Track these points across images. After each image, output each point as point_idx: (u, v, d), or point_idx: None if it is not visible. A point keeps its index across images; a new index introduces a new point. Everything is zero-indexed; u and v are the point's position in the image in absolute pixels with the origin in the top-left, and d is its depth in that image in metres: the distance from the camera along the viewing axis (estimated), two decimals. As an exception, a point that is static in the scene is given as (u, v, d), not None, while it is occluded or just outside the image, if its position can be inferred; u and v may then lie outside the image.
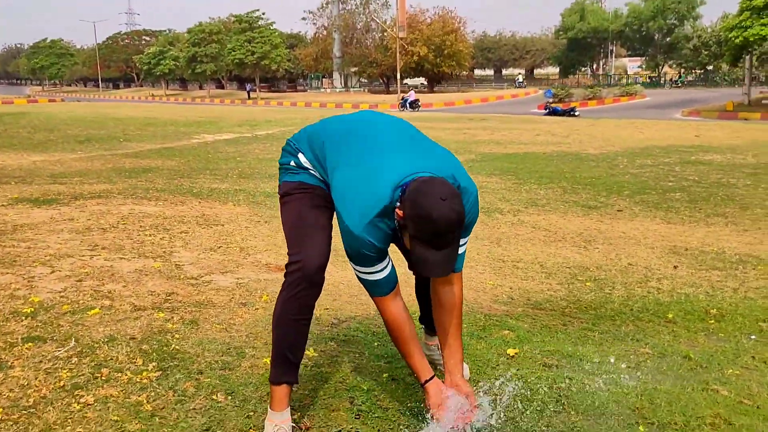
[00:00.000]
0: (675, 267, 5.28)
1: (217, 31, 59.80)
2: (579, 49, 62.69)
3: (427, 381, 2.39)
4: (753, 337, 3.67)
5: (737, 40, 28.35)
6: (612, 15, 61.32)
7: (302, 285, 2.27)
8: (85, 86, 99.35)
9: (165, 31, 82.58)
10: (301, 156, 2.42)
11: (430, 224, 2.02)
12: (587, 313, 3.94)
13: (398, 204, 2.14)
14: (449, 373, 2.46)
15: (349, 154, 2.29)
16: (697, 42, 56.06)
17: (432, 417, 2.36)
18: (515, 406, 2.68)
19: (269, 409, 2.35)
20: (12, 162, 11.35)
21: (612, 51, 63.77)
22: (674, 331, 3.69)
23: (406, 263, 2.62)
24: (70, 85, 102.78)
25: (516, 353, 3.20)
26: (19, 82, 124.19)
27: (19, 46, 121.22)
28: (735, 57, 31.05)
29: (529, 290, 4.41)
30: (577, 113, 29.12)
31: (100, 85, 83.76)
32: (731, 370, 3.17)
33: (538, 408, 2.71)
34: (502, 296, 4.21)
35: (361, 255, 2.22)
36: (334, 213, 2.37)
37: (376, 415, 2.56)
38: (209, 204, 6.92)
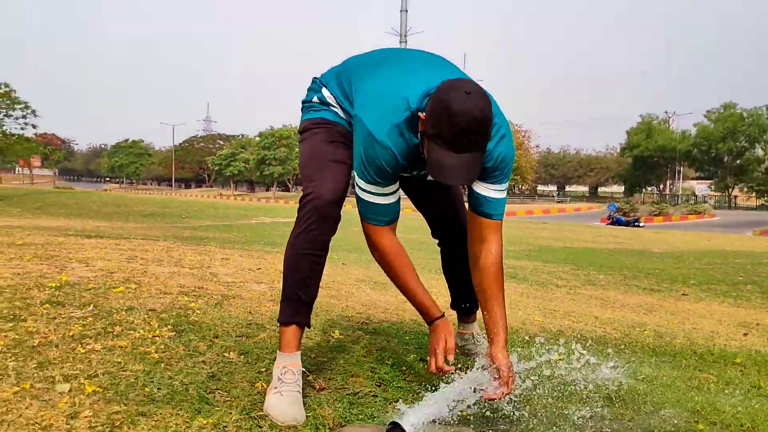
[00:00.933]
0: (745, 334, 4.86)
1: (286, 135, 62.30)
2: (645, 167, 62.25)
3: (436, 319, 2.18)
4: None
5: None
6: (680, 135, 61.09)
7: (314, 218, 2.10)
8: (159, 185, 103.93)
9: (238, 135, 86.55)
10: (324, 90, 2.29)
11: (452, 119, 1.85)
12: (645, 350, 3.60)
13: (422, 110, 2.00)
14: (490, 343, 2.21)
15: (376, 72, 2.17)
16: (770, 164, 55.09)
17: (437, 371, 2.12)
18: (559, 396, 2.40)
19: (278, 351, 2.15)
20: (76, 225, 11.70)
21: (679, 171, 63.08)
22: (743, 371, 3.32)
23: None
24: (146, 184, 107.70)
25: (560, 359, 2.91)
26: (99, 180, 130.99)
27: (103, 146, 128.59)
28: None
29: (581, 330, 4.10)
30: (641, 224, 28.52)
31: (173, 185, 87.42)
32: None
33: (585, 402, 2.42)
34: (550, 330, 3.91)
35: (376, 166, 2.04)
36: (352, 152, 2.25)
37: (397, 385, 2.33)
38: (257, 252, 6.88)
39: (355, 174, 2.12)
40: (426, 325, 2.24)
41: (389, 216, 2.16)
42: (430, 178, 2.14)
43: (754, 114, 56.14)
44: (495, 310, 2.22)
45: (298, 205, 2.17)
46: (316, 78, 2.38)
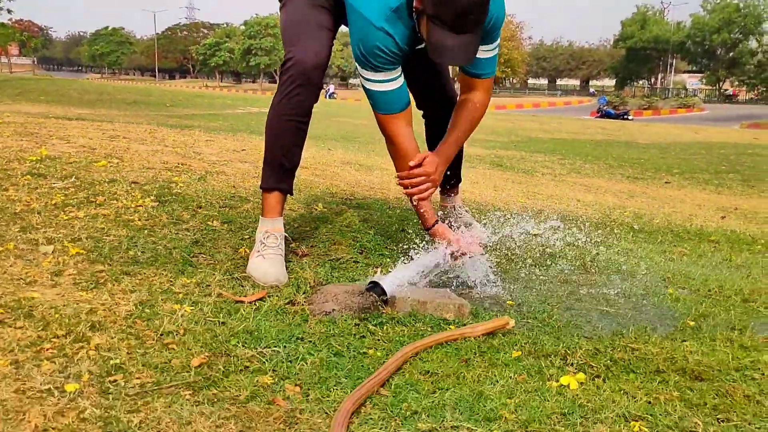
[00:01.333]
0: (723, 217, 4.95)
1: (273, 24, 60.36)
2: (637, 60, 61.23)
3: (434, 224, 2.21)
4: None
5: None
6: (674, 26, 59.77)
7: (297, 82, 2.06)
8: (142, 75, 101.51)
9: (223, 24, 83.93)
10: None
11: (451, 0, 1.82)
12: (623, 228, 3.67)
13: None
14: (436, 154, 2.20)
15: None
16: (762, 57, 54.30)
17: (454, 255, 2.17)
18: (535, 257, 2.47)
19: (261, 217, 2.17)
20: (58, 112, 11.47)
21: (672, 64, 62.17)
22: (716, 246, 3.40)
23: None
24: (128, 74, 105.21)
25: (538, 234, 2.97)
26: (79, 69, 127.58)
27: (82, 33, 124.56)
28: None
29: (562, 210, 4.15)
30: (630, 117, 28.42)
31: (157, 75, 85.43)
32: (777, 271, 2.87)
33: (561, 265, 2.49)
34: (532, 208, 3.96)
35: (375, 53, 2.00)
36: (336, 19, 2.19)
37: (379, 253, 2.38)
38: (242, 137, 6.82)
39: (357, 66, 2.08)
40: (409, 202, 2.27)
41: (400, 102, 2.12)
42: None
43: (750, 4, 54.82)
44: (451, 138, 2.24)
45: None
46: None
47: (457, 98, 2.29)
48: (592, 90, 64.09)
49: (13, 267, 1.86)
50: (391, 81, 2.09)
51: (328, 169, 4.34)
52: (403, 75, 2.14)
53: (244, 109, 16.48)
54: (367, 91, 2.12)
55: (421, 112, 2.60)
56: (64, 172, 2.94)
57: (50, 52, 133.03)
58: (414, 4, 1.95)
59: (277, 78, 75.40)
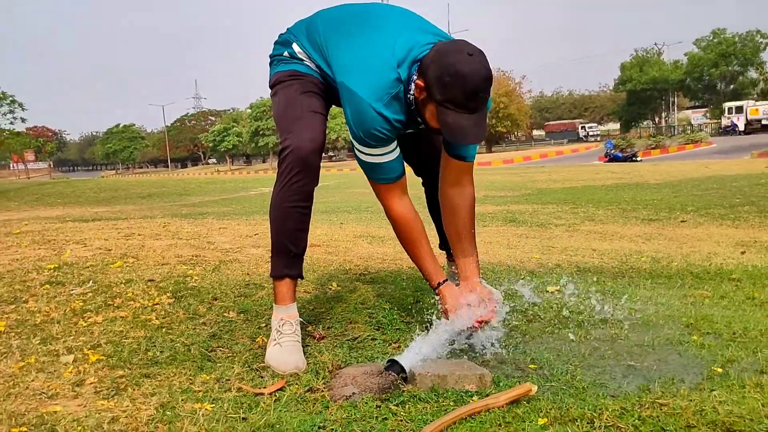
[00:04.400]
0: (742, 252, 4.90)
1: (278, 105, 61.62)
2: (639, 102, 61.78)
3: (440, 284, 2.22)
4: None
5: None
6: (672, 65, 60.46)
7: (296, 170, 2.11)
8: (156, 167, 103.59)
9: (229, 110, 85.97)
10: (295, 46, 2.27)
11: (462, 82, 1.90)
12: (641, 274, 3.64)
13: (415, 77, 2.02)
14: (465, 278, 2.29)
15: (353, 35, 2.16)
16: (764, 86, 54.58)
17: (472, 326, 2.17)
18: (551, 316, 2.45)
19: (274, 305, 2.19)
20: (75, 212, 11.70)
21: (674, 102, 62.60)
22: (738, 285, 3.36)
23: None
24: (141, 167, 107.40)
25: (556, 290, 2.96)
26: (94, 168, 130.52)
27: (95, 134, 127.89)
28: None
29: (579, 262, 4.13)
30: (639, 158, 28.46)
31: (169, 165, 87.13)
32: (803, 305, 2.83)
33: (579, 321, 2.47)
34: (548, 264, 3.94)
35: (372, 134, 2.06)
36: (328, 102, 2.28)
37: (396, 327, 2.38)
38: (255, 219, 6.91)
39: (353, 139, 2.13)
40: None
41: (395, 172, 2.17)
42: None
43: (747, 37, 55.46)
44: (468, 248, 2.31)
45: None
46: (283, 33, 2.36)
47: (444, 191, 2.33)
48: (583, 133, 63.66)
49: (35, 381, 1.88)
50: (387, 153, 2.14)
51: (341, 245, 4.37)
52: (398, 148, 2.19)
53: (257, 191, 16.72)
54: (360, 161, 2.17)
55: (420, 179, 2.65)
56: (81, 277, 2.99)
57: (65, 154, 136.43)
58: (413, 92, 2.02)
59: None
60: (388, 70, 2.04)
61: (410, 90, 2.05)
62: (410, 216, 2.21)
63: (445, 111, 1.95)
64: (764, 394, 1.70)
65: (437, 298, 2.25)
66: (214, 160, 76.72)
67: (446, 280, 2.24)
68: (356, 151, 2.16)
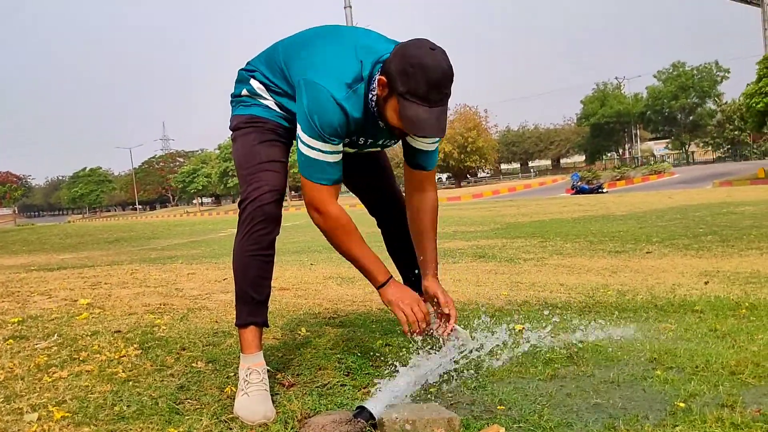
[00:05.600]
0: (706, 283, 5.00)
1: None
2: (603, 134, 63.10)
3: (385, 282, 2.19)
4: (790, 319, 3.36)
5: (758, 106, 28.41)
6: (632, 99, 62.01)
7: (256, 219, 2.13)
8: (123, 210, 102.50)
9: (197, 151, 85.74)
10: (253, 81, 2.29)
11: (424, 72, 1.94)
12: (607, 309, 3.70)
13: (377, 75, 2.05)
14: (424, 276, 2.35)
15: (316, 43, 2.19)
16: (722, 117, 56.19)
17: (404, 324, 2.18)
18: (522, 354, 2.48)
19: (241, 354, 2.18)
20: (41, 260, 11.51)
21: (636, 134, 64.03)
22: (701, 317, 3.43)
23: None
24: (109, 211, 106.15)
25: (522, 329, 2.99)
26: (60, 212, 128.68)
27: (61, 178, 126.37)
28: (758, 123, 31.02)
29: (546, 298, 4.18)
30: (605, 190, 28.95)
31: (138, 208, 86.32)
32: (762, 336, 2.90)
33: (546, 359, 2.50)
34: (516, 300, 3.99)
35: (330, 126, 2.05)
36: (287, 148, 2.31)
37: (366, 372, 2.38)
38: (224, 263, 6.87)
39: (302, 131, 2.08)
40: (392, 313, 2.29)
41: (333, 175, 2.14)
42: (371, 150, 2.32)
43: (703, 69, 57.17)
44: (429, 251, 2.37)
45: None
46: (242, 69, 2.37)
47: (408, 198, 2.41)
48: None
49: (-3, 442, 1.84)
50: (332, 154, 2.12)
51: (310, 288, 4.37)
52: (341, 155, 2.16)
53: (226, 232, 16.62)
54: (302, 155, 2.10)
55: (375, 220, 2.69)
56: (46, 330, 2.95)
57: (30, 200, 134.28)
58: (377, 91, 2.05)
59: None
60: (351, 65, 2.08)
61: (372, 90, 2.08)
62: (346, 217, 2.18)
63: (406, 104, 1.98)
64: (725, 429, 1.74)
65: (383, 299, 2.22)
66: (199, 201, 75.98)
67: (391, 277, 2.22)
68: (301, 146, 2.09)
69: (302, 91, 2.08)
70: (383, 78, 2.02)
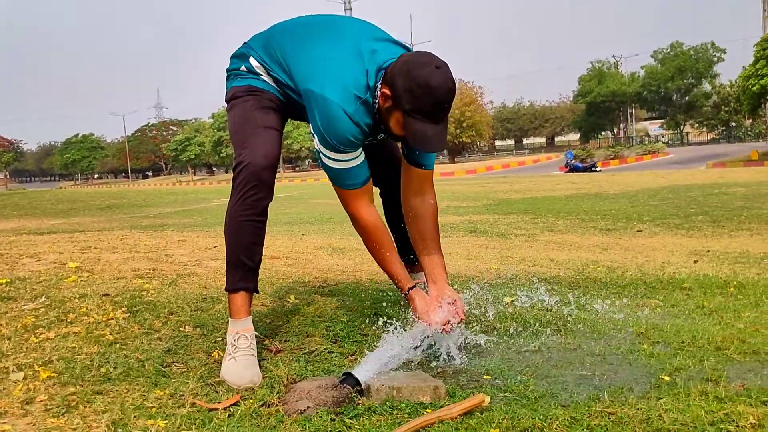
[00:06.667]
0: (695, 261, 5.02)
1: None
2: (598, 113, 62.93)
3: (410, 288, 2.27)
4: (776, 297, 3.38)
5: (754, 88, 28.36)
6: (629, 78, 61.80)
7: (250, 184, 2.12)
8: (116, 178, 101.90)
9: (191, 119, 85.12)
10: (252, 60, 2.28)
11: (430, 93, 1.97)
12: (596, 284, 3.71)
13: (380, 84, 2.06)
14: (433, 283, 2.34)
15: (314, 39, 2.19)
16: (717, 99, 56.15)
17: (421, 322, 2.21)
18: (510, 325, 2.49)
19: (229, 319, 2.18)
20: (31, 224, 11.44)
21: (632, 114, 63.93)
22: (689, 294, 3.44)
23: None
24: (101, 178, 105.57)
25: (512, 300, 3.00)
26: (52, 178, 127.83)
27: (53, 143, 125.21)
28: (753, 106, 31.03)
29: (536, 272, 4.19)
30: (598, 168, 28.95)
31: (130, 176, 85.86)
32: (749, 313, 2.92)
33: (535, 332, 2.51)
34: (506, 274, 4.00)
35: (341, 138, 2.08)
36: (284, 118, 2.30)
37: (353, 340, 2.39)
38: (215, 231, 6.85)
39: (320, 145, 2.14)
40: (383, 282, 2.32)
41: (361, 177, 2.20)
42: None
43: (700, 50, 56.98)
44: (434, 255, 2.36)
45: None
46: (240, 46, 2.36)
47: (406, 200, 2.39)
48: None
49: (-18, 400, 1.84)
50: (354, 159, 2.17)
51: (301, 257, 4.37)
52: (363, 154, 2.21)
53: (218, 201, 16.57)
54: (326, 167, 2.18)
55: (379, 190, 2.68)
56: (34, 292, 2.93)
57: (22, 164, 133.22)
58: (379, 101, 2.06)
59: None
60: (358, 75, 2.08)
61: (376, 97, 2.08)
62: (379, 223, 2.25)
63: (411, 120, 2.01)
64: (708, 402, 1.76)
65: (405, 302, 2.31)
66: (192, 171, 75.63)
67: (416, 285, 2.28)
68: (323, 159, 2.16)
69: (312, 105, 2.11)
70: (387, 91, 2.04)
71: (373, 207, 2.26)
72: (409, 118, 2.01)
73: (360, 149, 2.18)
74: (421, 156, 2.32)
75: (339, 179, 2.20)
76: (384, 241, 2.25)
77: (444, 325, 2.19)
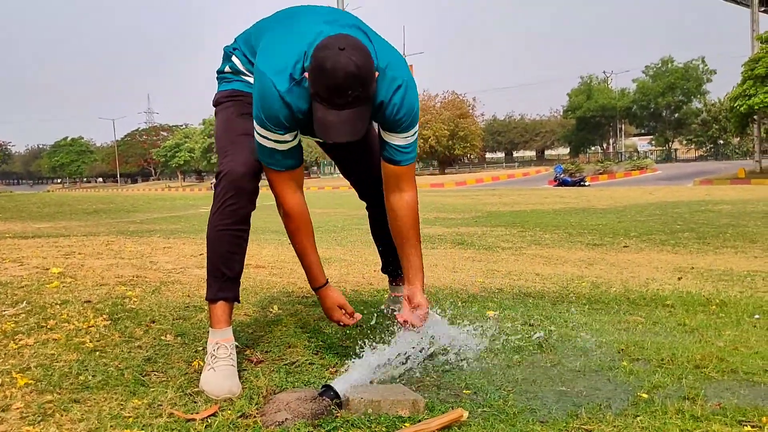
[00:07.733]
0: (679, 278, 5.05)
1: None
2: (588, 128, 63.30)
3: (321, 286, 2.28)
4: (757, 316, 3.42)
5: (742, 109, 28.59)
6: (618, 93, 62.23)
7: (229, 193, 2.11)
8: (104, 182, 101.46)
9: (181, 125, 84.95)
10: (235, 59, 2.28)
11: (324, 74, 1.87)
12: (580, 300, 3.73)
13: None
14: (408, 283, 2.32)
15: (275, 28, 2.18)
16: (706, 116, 56.61)
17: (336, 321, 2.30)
18: (492, 342, 2.49)
19: (210, 329, 2.17)
20: (16, 228, 11.34)
21: (621, 129, 64.34)
22: (672, 311, 3.47)
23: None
24: (89, 182, 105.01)
25: (496, 314, 3.01)
26: (40, 181, 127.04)
27: (42, 146, 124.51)
28: (741, 125, 31.26)
29: (521, 286, 4.21)
30: (587, 183, 29.09)
31: (119, 180, 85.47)
32: (729, 332, 2.94)
33: (517, 348, 2.51)
34: (491, 288, 4.01)
35: (273, 118, 2.03)
36: None
37: (335, 352, 2.38)
38: (202, 239, 6.83)
39: (254, 116, 2.09)
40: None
41: (284, 162, 2.14)
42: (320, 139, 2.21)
43: (689, 67, 57.45)
44: (411, 256, 2.32)
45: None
46: (227, 46, 2.36)
47: (386, 197, 2.34)
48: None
49: (-43, 406, 1.82)
50: (284, 143, 2.11)
51: (286, 267, 4.36)
52: (297, 142, 2.16)
53: (207, 208, 16.50)
54: (258, 144, 2.12)
55: (365, 204, 2.68)
56: (15, 297, 2.92)
57: (9, 167, 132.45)
58: (305, 75, 2.00)
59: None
60: (296, 55, 2.02)
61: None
62: (302, 210, 2.21)
63: (315, 104, 1.94)
64: (684, 421, 1.77)
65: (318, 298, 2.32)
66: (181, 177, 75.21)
67: (327, 282, 2.29)
68: (255, 132, 2.11)
69: (254, 80, 2.09)
70: (306, 74, 1.97)
71: (299, 193, 2.21)
72: (315, 102, 1.94)
73: (293, 137, 2.11)
74: (392, 151, 2.24)
75: (263, 155, 2.12)
76: (304, 230, 2.22)
77: (400, 321, 2.21)
